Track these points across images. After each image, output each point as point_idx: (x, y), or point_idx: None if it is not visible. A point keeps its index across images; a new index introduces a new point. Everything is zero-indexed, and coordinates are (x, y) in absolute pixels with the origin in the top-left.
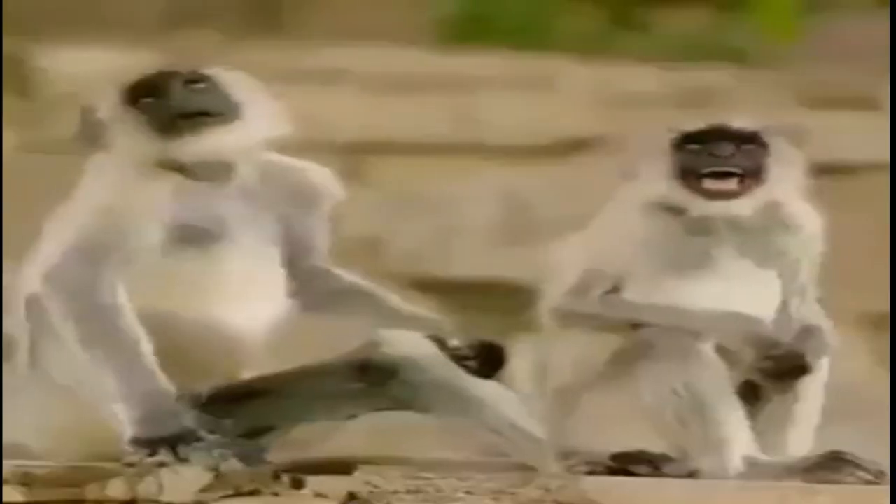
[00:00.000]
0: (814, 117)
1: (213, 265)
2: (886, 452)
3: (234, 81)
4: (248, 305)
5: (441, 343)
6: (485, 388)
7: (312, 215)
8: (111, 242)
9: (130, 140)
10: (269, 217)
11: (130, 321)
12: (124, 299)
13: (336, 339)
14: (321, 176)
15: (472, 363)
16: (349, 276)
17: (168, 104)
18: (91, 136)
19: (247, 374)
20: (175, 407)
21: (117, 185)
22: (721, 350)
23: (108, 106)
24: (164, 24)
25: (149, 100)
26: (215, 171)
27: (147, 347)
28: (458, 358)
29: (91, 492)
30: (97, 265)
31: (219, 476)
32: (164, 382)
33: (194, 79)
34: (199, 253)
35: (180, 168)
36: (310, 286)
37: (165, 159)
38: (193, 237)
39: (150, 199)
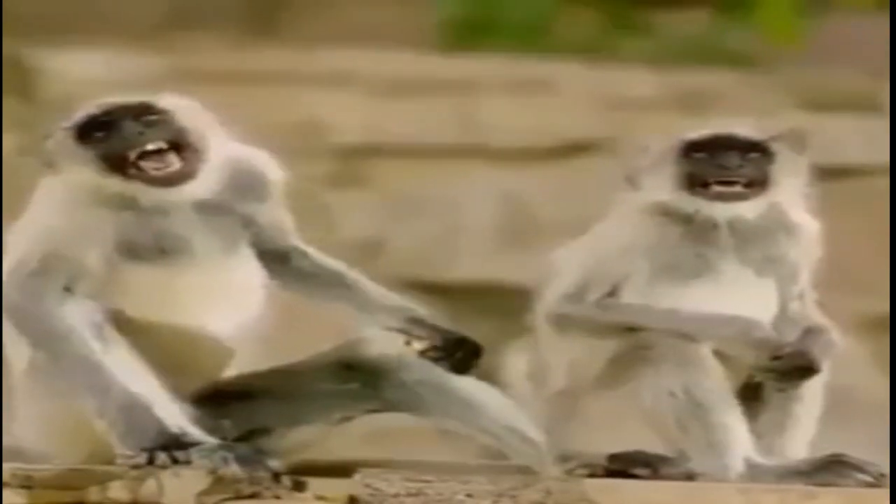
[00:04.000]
0: (814, 120)
1: (177, 278)
2: (885, 455)
3: (186, 109)
4: (220, 314)
5: (406, 344)
6: (474, 389)
7: (269, 202)
8: (53, 264)
9: (81, 174)
10: (228, 222)
11: (86, 338)
12: (79, 317)
13: (318, 330)
14: (262, 161)
15: (442, 362)
16: (320, 257)
17: (120, 140)
18: (46, 160)
19: (230, 373)
20: (154, 417)
21: (62, 207)
22: (719, 353)
23: (58, 139)
24: (164, 26)
25: (100, 135)
26: (170, 203)
27: (112, 362)
28: (429, 360)
29: (92, 494)
30: (41, 286)
31: (219, 479)
32: (137, 395)
33: (146, 111)
34: (160, 267)
35: (132, 202)
36: (285, 266)
37: (118, 194)
38: (150, 253)
39: (94, 223)
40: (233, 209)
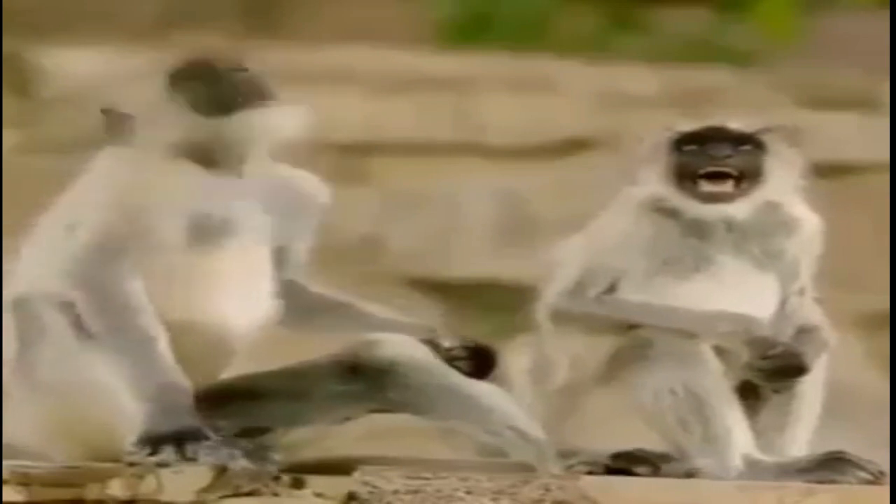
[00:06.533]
0: (813, 117)
1: (218, 259)
2: (882, 452)
3: (266, 76)
4: (243, 302)
5: (434, 345)
6: (481, 389)
7: (301, 227)
8: (134, 237)
9: (168, 124)
10: (270, 220)
11: (150, 315)
12: (144, 294)
13: (319, 347)
14: (313, 185)
15: (464, 364)
16: (326, 293)
17: (217, 86)
18: (117, 132)
19: (229, 374)
20: (188, 403)
21: (138, 178)
22: (719, 350)
23: (141, 94)
24: (163, 24)
25: (195, 83)
26: (236, 161)
27: (164, 341)
28: (451, 359)
29: (91, 491)
30: (121, 260)
31: (219, 476)
32: (181, 377)
33: (235, 67)
34: (209, 247)
35: (203, 156)
36: (286, 300)
37: (193, 144)
38: (208, 231)
39: (172, 193)
40: (275, 212)
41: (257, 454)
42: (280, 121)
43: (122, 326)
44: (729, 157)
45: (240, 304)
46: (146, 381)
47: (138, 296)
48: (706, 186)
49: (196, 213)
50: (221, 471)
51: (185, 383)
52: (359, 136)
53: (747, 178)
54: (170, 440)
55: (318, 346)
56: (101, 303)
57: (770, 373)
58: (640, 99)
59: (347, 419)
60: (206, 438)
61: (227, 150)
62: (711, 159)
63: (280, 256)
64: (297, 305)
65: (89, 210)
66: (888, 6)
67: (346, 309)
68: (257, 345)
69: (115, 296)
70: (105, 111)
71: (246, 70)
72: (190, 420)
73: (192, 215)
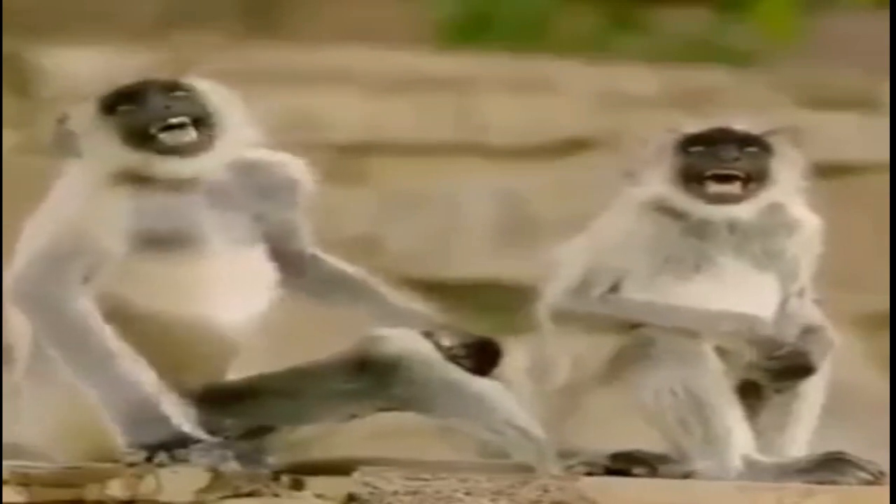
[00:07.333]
0: (813, 117)
1: (188, 268)
2: (882, 452)
3: (212, 91)
4: (230, 305)
5: (434, 341)
6: (483, 387)
7: (289, 206)
8: (75, 252)
9: (102, 150)
10: (242, 217)
11: (101, 329)
12: (92, 308)
13: (328, 330)
14: (292, 166)
15: (466, 361)
16: (338, 263)
17: (145, 113)
18: (64, 144)
19: (237, 371)
20: (161, 413)
21: (83, 193)
22: (720, 350)
23: (82, 115)
24: (163, 23)
25: (126, 108)
26: (183, 182)
27: (123, 355)
28: (452, 357)
29: (91, 492)
30: (62, 275)
31: (218, 477)
32: (147, 389)
33: (173, 87)
34: (172, 257)
35: (148, 179)
36: (299, 272)
37: (136, 170)
38: (163, 243)
39: (114, 208)
40: (247, 206)
41: (250, 456)
42: (217, 154)
43: (72, 344)
44: (737, 159)
45: (226, 306)
46: (110, 399)
47: (83, 311)
48: (714, 187)
49: (143, 228)
50: (220, 472)
51: (157, 394)
52: (358, 136)
53: (754, 180)
54: (157, 448)
55: (328, 341)
56: (46, 320)
57: (777, 373)
58: (640, 99)
59: (353, 417)
60: (195, 441)
61: (169, 179)
62: (719, 161)
63: (280, 238)
64: (310, 275)
65: (37, 224)
66: (888, 6)
67: (358, 285)
68: (263, 341)
69: (58, 313)
70: (59, 120)
71: (188, 91)
72: (167, 430)
73: (137, 231)
